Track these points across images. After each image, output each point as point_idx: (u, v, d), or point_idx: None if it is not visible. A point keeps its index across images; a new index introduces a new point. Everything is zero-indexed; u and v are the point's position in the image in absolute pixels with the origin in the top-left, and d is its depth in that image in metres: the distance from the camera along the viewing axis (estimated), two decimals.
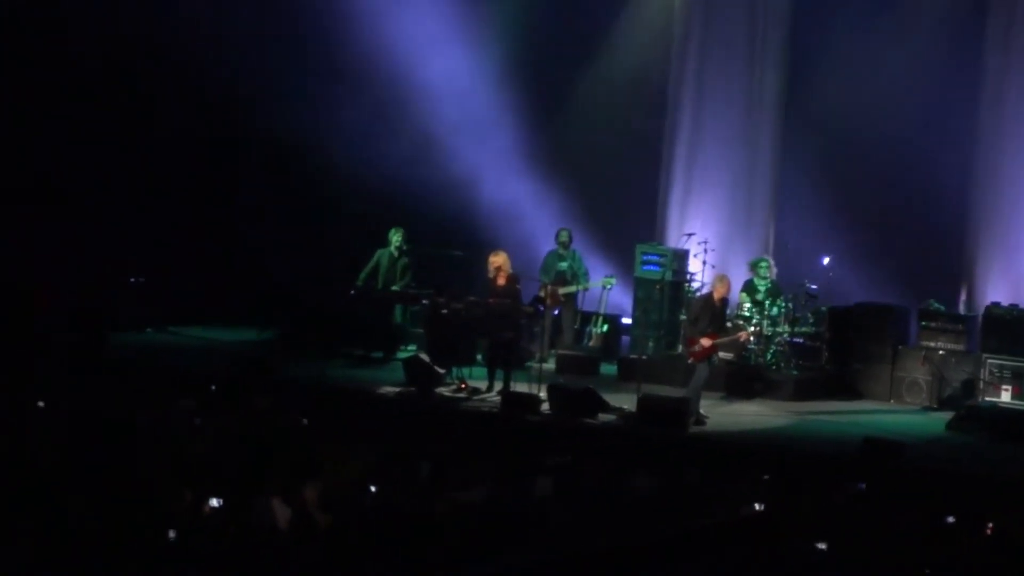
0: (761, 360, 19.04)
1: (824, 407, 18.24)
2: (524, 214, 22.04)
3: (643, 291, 20.22)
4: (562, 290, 19.88)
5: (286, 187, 21.82)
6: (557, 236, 20.37)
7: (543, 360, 18.45)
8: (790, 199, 21.32)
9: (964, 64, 19.97)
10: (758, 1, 21.45)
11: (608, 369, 19.66)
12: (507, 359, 17.49)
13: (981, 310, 18.86)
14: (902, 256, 20.20)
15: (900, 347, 18.95)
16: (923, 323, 18.93)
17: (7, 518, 9.22)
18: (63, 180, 20.40)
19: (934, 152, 19.81)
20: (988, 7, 19.98)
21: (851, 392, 19.00)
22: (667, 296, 19.90)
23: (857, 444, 15.06)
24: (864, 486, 13.13)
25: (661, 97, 22.23)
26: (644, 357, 19.35)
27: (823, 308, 19.32)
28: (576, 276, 20.12)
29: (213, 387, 16.18)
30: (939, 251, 20.13)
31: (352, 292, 19.96)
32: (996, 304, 18.68)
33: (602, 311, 20.44)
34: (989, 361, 18.19)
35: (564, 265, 20.14)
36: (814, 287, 19.30)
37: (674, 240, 21.15)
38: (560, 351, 19.74)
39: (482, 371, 17.98)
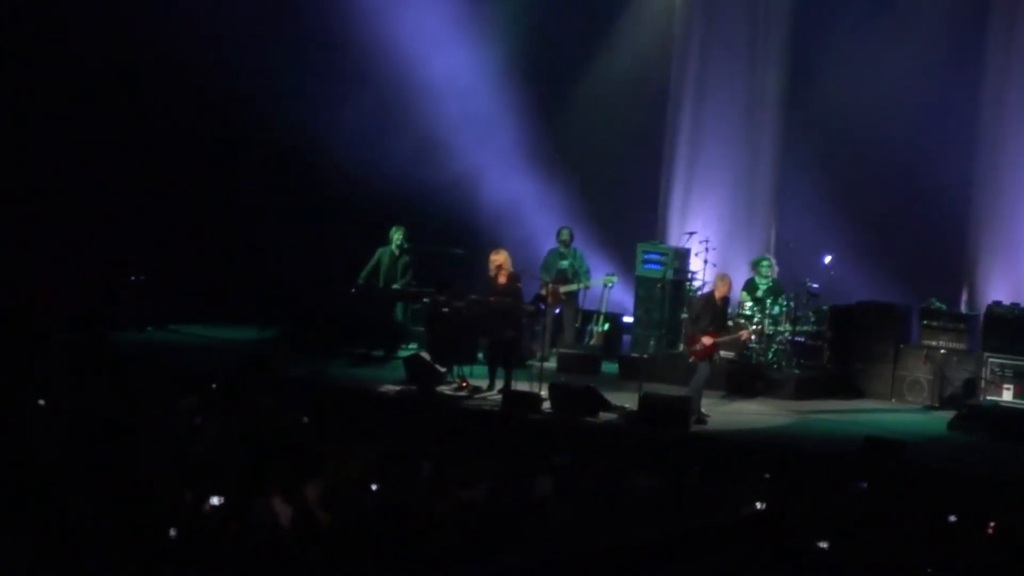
0: (762, 359, 19.03)
1: (825, 406, 18.24)
2: (525, 213, 22.05)
3: (644, 290, 20.21)
4: (563, 288, 19.88)
5: (287, 186, 21.81)
6: (558, 234, 20.37)
7: (544, 359, 18.44)
8: (791, 198, 21.33)
9: (965, 63, 19.98)
10: (759, 1, 21.44)
11: (609, 368, 19.65)
12: (508, 358, 17.49)
13: (983, 309, 18.85)
14: (903, 255, 20.21)
15: (902, 346, 18.95)
16: (924, 322, 18.93)
17: (7, 518, 9.21)
18: (63, 180, 20.38)
19: (935, 151, 19.81)
20: (989, 6, 19.98)
21: (852, 391, 18.99)
22: (668, 295, 19.89)
23: (858, 443, 15.05)
24: (865, 485, 13.13)
25: (662, 96, 22.24)
26: (645, 356, 19.35)
27: (824, 307, 19.31)
28: (577, 275, 20.12)
29: (214, 386, 16.16)
30: (940, 250, 20.14)
31: (353, 291, 19.96)
32: (998, 303, 18.67)
33: (603, 310, 20.43)
34: (990, 360, 18.18)
35: (565, 263, 20.14)
36: (815, 286, 19.29)
37: (675, 239, 21.16)
38: (561, 350, 19.73)
39: (483, 370, 17.98)
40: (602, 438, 15.80)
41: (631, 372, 18.56)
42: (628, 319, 20.86)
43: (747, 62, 21.49)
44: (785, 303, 19.05)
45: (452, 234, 21.01)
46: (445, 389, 17.50)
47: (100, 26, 20.40)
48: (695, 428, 16.17)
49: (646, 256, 20.33)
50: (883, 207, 20.70)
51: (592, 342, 20.26)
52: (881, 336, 19.04)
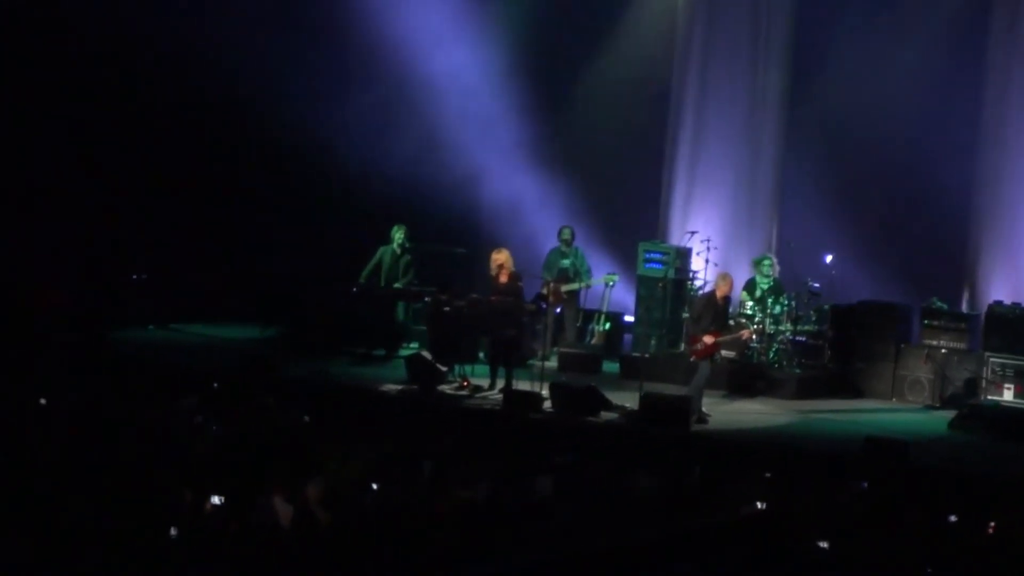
0: (763, 358, 19.03)
1: (826, 406, 18.23)
2: (527, 212, 22.05)
3: (646, 289, 20.21)
4: (564, 288, 19.87)
5: (288, 185, 21.80)
6: (560, 234, 20.37)
7: (545, 358, 18.42)
8: (793, 197, 21.33)
9: (967, 63, 19.98)
10: (761, 0, 21.44)
11: (610, 367, 19.64)
12: (509, 357, 17.48)
13: (984, 309, 18.84)
14: (905, 254, 20.22)
15: (903, 346, 18.94)
16: (926, 322, 18.92)
17: (7, 518, 9.22)
18: (63, 180, 20.37)
19: (937, 150, 19.80)
20: (990, 6, 19.97)
21: (853, 391, 18.98)
22: (669, 294, 19.89)
23: (859, 443, 15.03)
24: (866, 485, 13.13)
25: (664, 95, 22.23)
26: (646, 355, 19.35)
27: (826, 306, 19.29)
28: (579, 274, 20.12)
29: (215, 385, 16.19)
30: (942, 249, 20.14)
31: (354, 290, 19.95)
32: (999, 303, 18.66)
33: (604, 309, 20.43)
34: (991, 360, 18.17)
35: (567, 263, 20.14)
36: (816, 285, 19.28)
37: (677, 238, 21.16)
38: (562, 349, 19.73)
39: (484, 369, 17.97)
40: (603, 438, 15.79)
41: (632, 371, 18.55)
42: (629, 318, 20.86)
43: (749, 62, 21.49)
44: (786, 302, 19.04)
45: (453, 233, 21.00)
46: (446, 388, 17.49)
47: (100, 26, 20.38)
48: (696, 428, 16.16)
49: (647, 255, 20.32)
50: (884, 206, 20.71)
51: (593, 341, 20.26)
52: (882, 336, 19.03)
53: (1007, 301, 18.66)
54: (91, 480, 10.13)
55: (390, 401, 16.98)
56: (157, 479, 10.31)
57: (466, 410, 16.74)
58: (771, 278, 19.25)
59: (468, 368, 18.02)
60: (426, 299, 19.32)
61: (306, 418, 14.50)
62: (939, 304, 19.00)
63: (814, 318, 19.27)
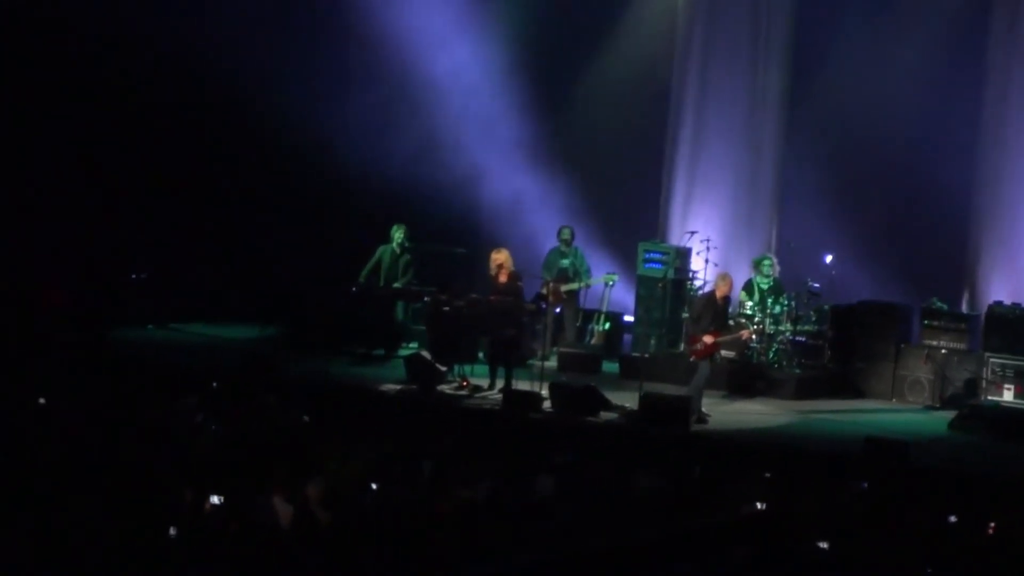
0: (763, 358, 19.02)
1: (826, 406, 18.23)
2: (526, 211, 22.03)
3: (645, 289, 20.21)
4: (564, 287, 19.86)
5: (288, 184, 21.78)
6: (559, 233, 20.36)
7: (545, 358, 18.42)
8: (792, 197, 21.32)
9: (967, 63, 19.98)
10: (761, 0, 21.43)
11: (610, 367, 19.64)
12: (508, 357, 17.48)
13: (984, 309, 18.84)
14: (905, 254, 20.21)
15: (903, 346, 18.93)
16: (926, 322, 18.91)
17: (7, 518, 9.21)
18: (63, 180, 20.36)
19: (937, 150, 19.81)
20: (990, 6, 19.97)
21: (853, 391, 18.98)
22: (669, 294, 19.90)
23: (859, 443, 15.02)
24: (866, 485, 13.12)
25: (664, 95, 22.23)
26: (646, 355, 19.35)
27: (825, 306, 19.29)
28: (578, 273, 20.11)
29: (215, 384, 16.18)
30: (942, 250, 20.14)
31: (354, 289, 19.94)
32: (999, 303, 18.66)
33: (604, 309, 20.42)
34: (991, 360, 18.17)
35: (566, 262, 20.13)
36: (816, 285, 19.28)
37: (677, 238, 21.16)
38: (562, 349, 19.72)
39: (484, 369, 17.97)
40: (603, 438, 15.79)
41: (632, 371, 18.55)
42: (629, 318, 20.85)
43: (749, 61, 21.49)
44: (786, 302, 19.03)
45: (453, 233, 21.00)
46: (446, 388, 17.49)
47: (100, 26, 20.37)
48: (696, 428, 16.16)
49: (647, 255, 20.33)
50: (884, 206, 20.72)
51: (593, 341, 20.25)
52: (882, 336, 19.02)
53: (1007, 301, 18.66)
54: (91, 480, 10.13)
55: (390, 401, 16.97)
56: (157, 478, 10.30)
57: (466, 410, 16.74)
58: (771, 278, 19.25)
59: (468, 368, 18.02)
60: (426, 299, 19.31)
61: (306, 418, 14.49)
62: (939, 304, 19.00)
63: (814, 318, 19.26)
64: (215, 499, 10.15)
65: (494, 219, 21.83)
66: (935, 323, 18.82)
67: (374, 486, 10.99)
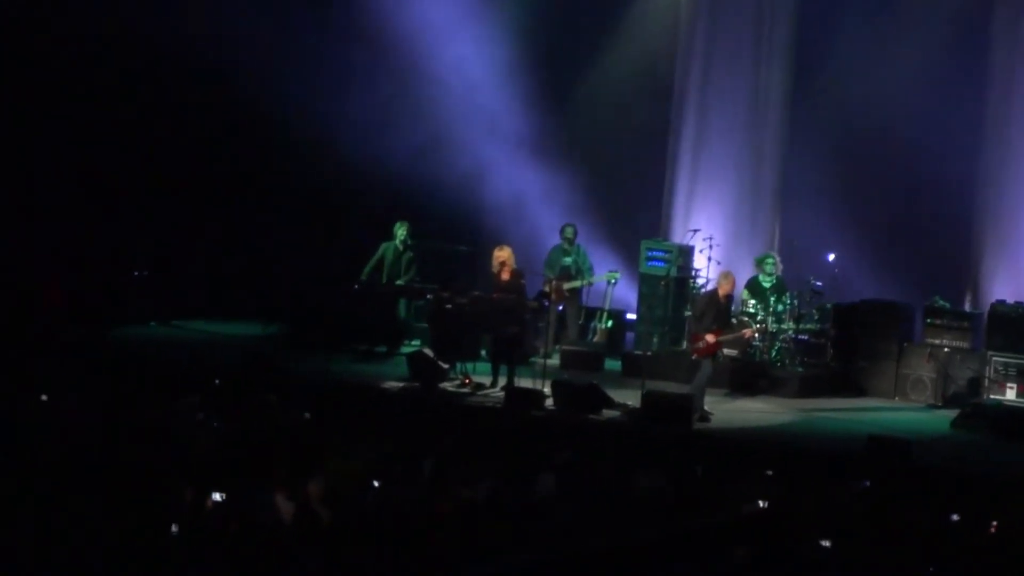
0: (766, 357, 19.02)
1: (829, 404, 18.23)
2: (529, 209, 22.02)
3: (648, 287, 20.21)
4: (566, 285, 19.85)
5: (290, 181, 21.78)
6: (562, 231, 20.35)
7: (547, 355, 18.41)
8: (795, 196, 21.31)
9: (970, 62, 19.96)
10: None
11: (612, 365, 19.64)
12: (511, 354, 17.47)
13: (986, 307, 18.82)
14: (907, 253, 20.20)
15: (905, 344, 18.92)
16: (928, 320, 18.90)
17: (7, 517, 9.20)
18: (64, 178, 20.36)
19: (940, 148, 19.78)
20: (993, 5, 19.96)
21: (856, 389, 18.98)
22: (672, 292, 19.90)
23: (862, 442, 15.02)
24: (868, 484, 13.11)
25: (667, 93, 22.22)
26: (648, 353, 19.33)
27: (828, 305, 19.27)
28: (581, 271, 20.11)
29: (217, 382, 16.17)
30: (944, 248, 20.12)
31: (356, 287, 19.93)
32: (1001, 302, 18.65)
33: (607, 307, 20.42)
34: (994, 359, 18.16)
35: (569, 260, 20.13)
36: (819, 284, 19.27)
37: (679, 236, 21.15)
38: (564, 346, 19.71)
39: (486, 366, 17.97)
40: (605, 436, 15.78)
41: (634, 369, 18.55)
42: (631, 316, 20.84)
43: (752, 60, 21.48)
44: (789, 301, 19.02)
45: (456, 230, 21.00)
46: (448, 386, 17.50)
47: (100, 26, 20.36)
48: (698, 426, 16.16)
49: (650, 253, 20.33)
50: (887, 205, 20.69)
51: (595, 339, 20.25)
52: (885, 334, 19.01)
53: (1010, 300, 18.65)
54: (92, 478, 10.12)
55: (391, 399, 16.97)
56: (158, 476, 10.29)
57: (468, 408, 16.75)
58: (774, 276, 19.24)
59: (470, 366, 18.02)
60: (428, 296, 19.31)
61: (307, 416, 14.48)
62: (942, 303, 18.98)
63: (816, 316, 19.25)
64: (216, 497, 10.14)
65: (497, 216, 21.82)
66: (938, 322, 18.80)
67: (375, 484, 10.97)
